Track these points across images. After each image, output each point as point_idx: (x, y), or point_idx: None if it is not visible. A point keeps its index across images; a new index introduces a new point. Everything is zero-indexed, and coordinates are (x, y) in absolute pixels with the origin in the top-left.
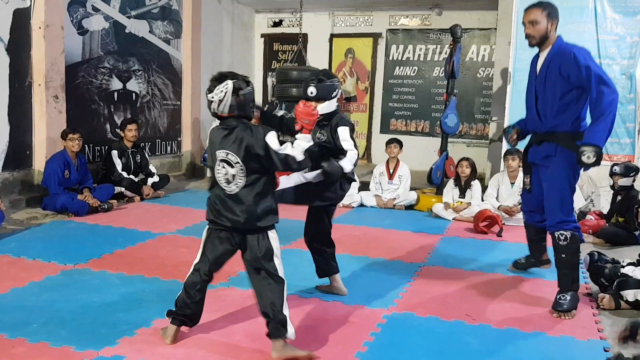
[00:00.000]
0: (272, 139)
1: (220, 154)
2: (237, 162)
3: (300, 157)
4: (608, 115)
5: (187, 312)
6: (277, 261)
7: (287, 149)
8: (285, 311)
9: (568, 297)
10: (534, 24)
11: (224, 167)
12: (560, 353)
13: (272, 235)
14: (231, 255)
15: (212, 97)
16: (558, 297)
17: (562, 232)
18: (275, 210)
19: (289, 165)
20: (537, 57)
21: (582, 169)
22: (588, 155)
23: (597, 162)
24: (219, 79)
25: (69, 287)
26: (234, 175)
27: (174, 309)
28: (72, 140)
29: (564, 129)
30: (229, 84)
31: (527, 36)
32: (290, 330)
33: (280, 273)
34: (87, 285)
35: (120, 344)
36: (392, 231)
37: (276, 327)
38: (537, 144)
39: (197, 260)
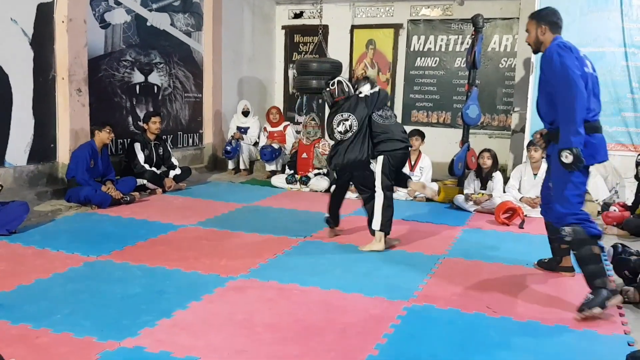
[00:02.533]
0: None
1: (343, 115)
2: (350, 115)
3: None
4: (569, 116)
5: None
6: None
7: None
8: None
9: (590, 296)
10: (528, 33)
11: (343, 124)
12: (583, 347)
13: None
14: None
15: (329, 89)
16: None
17: (562, 227)
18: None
19: None
20: None
21: (571, 170)
22: (565, 155)
23: (576, 162)
24: (332, 78)
25: (92, 278)
26: (350, 125)
27: (326, 219)
28: (109, 132)
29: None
30: (339, 80)
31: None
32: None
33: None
34: (109, 276)
35: (141, 335)
36: (413, 223)
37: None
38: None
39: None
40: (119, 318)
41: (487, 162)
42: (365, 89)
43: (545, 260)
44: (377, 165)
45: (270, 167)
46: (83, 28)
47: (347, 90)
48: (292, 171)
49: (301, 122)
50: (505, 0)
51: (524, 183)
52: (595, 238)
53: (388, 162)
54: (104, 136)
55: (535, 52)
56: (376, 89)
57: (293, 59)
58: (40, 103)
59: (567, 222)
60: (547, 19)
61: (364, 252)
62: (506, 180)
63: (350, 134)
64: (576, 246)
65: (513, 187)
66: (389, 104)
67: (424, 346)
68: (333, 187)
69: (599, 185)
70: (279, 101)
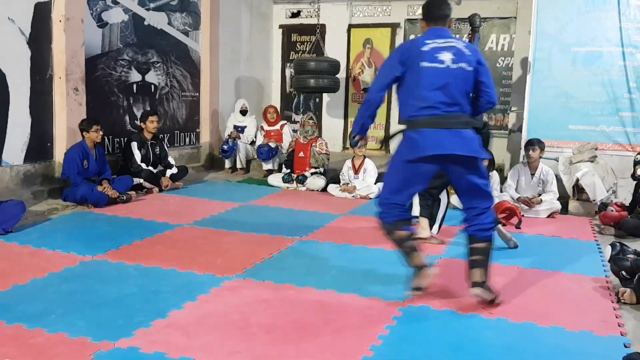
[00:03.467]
0: None
1: None
2: None
3: None
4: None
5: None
6: None
7: None
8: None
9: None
10: None
11: None
12: (579, 348)
13: None
14: None
15: None
16: None
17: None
18: None
19: None
20: None
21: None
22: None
23: (353, 142)
24: None
25: (88, 278)
26: None
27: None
28: (97, 131)
29: None
30: None
31: None
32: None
33: None
34: (105, 276)
35: (136, 335)
36: None
37: None
38: None
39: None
40: (114, 318)
41: (484, 161)
42: None
43: None
44: None
45: (267, 166)
46: (80, 27)
47: None
48: (288, 170)
49: (298, 121)
50: None
51: (521, 182)
52: (392, 225)
53: None
54: (92, 136)
55: None
56: None
57: (290, 58)
58: (37, 102)
59: (377, 210)
60: (424, 12)
61: (361, 252)
62: (503, 179)
63: None
64: (385, 234)
65: (510, 187)
66: None
67: (419, 347)
68: None
69: (596, 185)
70: (276, 100)
